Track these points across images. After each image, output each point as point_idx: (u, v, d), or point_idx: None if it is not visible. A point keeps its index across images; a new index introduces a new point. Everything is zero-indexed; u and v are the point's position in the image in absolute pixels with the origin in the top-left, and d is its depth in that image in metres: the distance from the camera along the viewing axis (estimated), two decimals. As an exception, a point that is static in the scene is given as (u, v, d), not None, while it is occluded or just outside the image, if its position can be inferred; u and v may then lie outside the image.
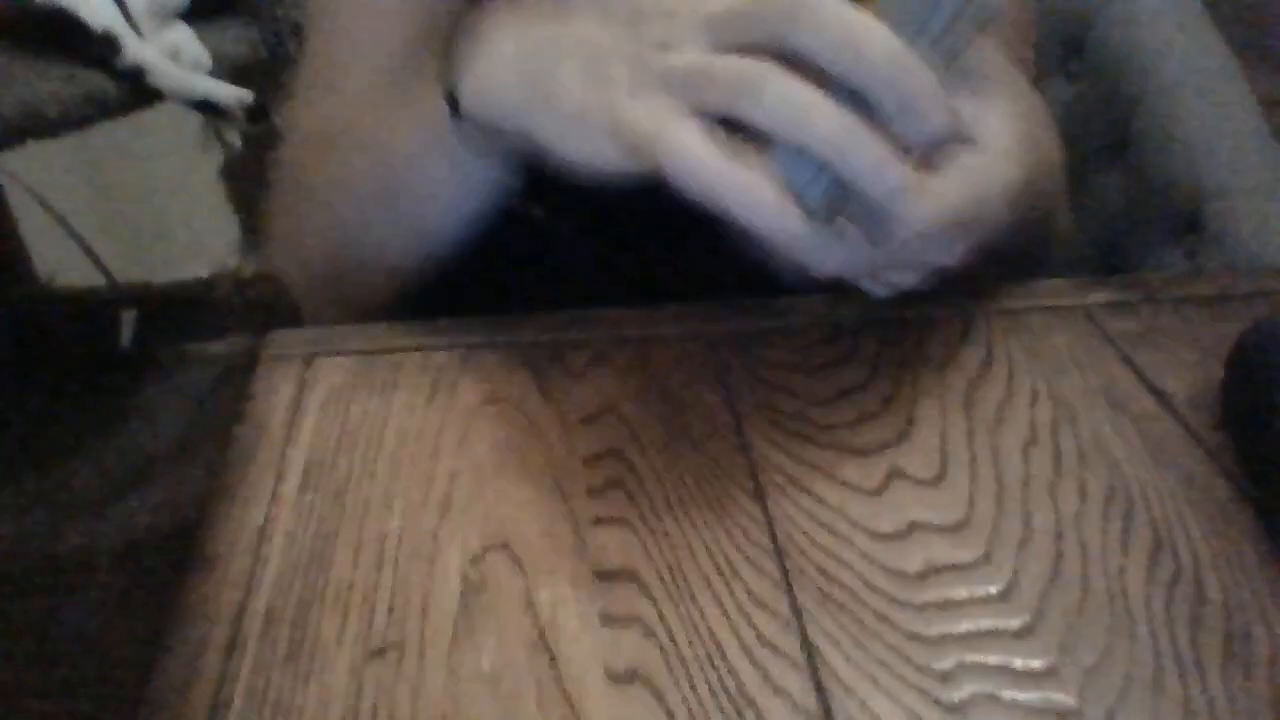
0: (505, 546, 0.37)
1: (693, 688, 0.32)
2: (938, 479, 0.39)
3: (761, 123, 0.34)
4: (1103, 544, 0.37)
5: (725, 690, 0.32)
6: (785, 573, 0.36)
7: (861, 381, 0.45)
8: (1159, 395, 0.44)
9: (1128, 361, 0.46)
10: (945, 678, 0.32)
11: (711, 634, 0.33)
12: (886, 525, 0.37)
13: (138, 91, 0.92)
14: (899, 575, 0.35)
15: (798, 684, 0.32)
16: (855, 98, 0.34)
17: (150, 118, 0.97)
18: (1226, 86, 0.71)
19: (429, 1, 0.53)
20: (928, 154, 0.37)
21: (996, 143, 0.39)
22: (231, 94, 0.97)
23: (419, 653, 0.33)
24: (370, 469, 0.40)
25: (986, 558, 0.36)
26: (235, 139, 1.19)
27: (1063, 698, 0.31)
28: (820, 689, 0.32)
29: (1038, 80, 0.65)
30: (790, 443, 0.41)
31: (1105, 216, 0.75)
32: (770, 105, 0.34)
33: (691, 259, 0.53)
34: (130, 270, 1.49)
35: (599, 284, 0.51)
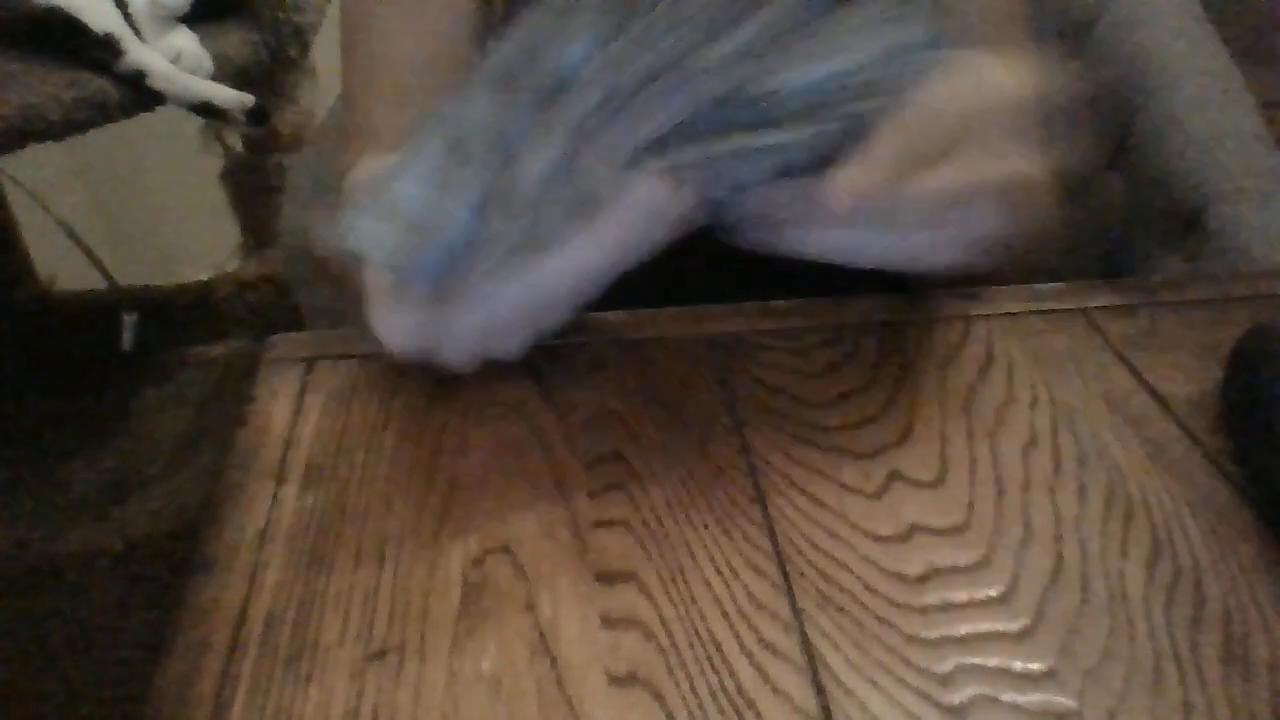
0: (506, 549, 0.37)
1: (693, 690, 0.32)
2: (938, 481, 0.40)
3: None
4: (1102, 546, 0.37)
5: (725, 692, 0.32)
6: (785, 575, 0.36)
7: (862, 384, 0.45)
8: (1159, 398, 0.44)
9: (1127, 364, 0.46)
10: (945, 680, 0.32)
11: (712, 636, 0.33)
12: (886, 528, 0.37)
13: (139, 95, 0.92)
14: (899, 578, 0.35)
15: (798, 686, 0.32)
16: None
17: (151, 121, 0.97)
18: (1227, 88, 0.71)
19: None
20: None
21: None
22: (232, 97, 0.97)
23: (419, 655, 0.33)
24: (371, 472, 0.40)
25: (986, 560, 0.36)
26: (236, 142, 1.19)
27: (1063, 700, 0.31)
28: (820, 691, 0.32)
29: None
30: (790, 445, 0.41)
31: (1105, 218, 0.75)
32: None
33: (691, 260, 0.53)
34: (131, 274, 1.49)
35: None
